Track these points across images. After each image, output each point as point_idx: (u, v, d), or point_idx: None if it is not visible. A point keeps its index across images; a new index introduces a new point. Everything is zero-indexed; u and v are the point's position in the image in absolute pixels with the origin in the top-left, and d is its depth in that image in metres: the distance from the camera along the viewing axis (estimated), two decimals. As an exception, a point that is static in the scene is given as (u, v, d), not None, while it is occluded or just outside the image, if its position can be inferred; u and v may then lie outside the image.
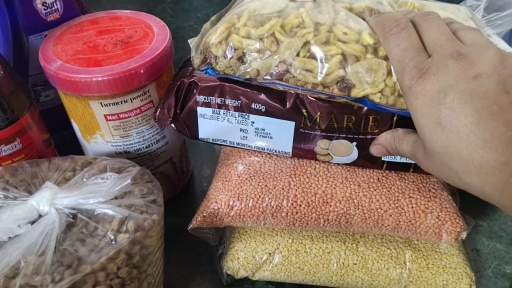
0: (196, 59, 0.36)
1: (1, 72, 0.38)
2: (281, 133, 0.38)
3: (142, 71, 0.38)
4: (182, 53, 0.43)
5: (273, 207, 0.38)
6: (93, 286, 0.30)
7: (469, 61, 0.27)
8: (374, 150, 0.36)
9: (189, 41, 0.37)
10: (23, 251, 0.29)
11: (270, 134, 0.38)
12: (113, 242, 0.31)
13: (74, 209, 0.33)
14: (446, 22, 0.31)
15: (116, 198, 0.34)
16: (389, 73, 0.32)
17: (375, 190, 0.38)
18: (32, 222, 0.32)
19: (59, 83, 0.39)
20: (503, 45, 0.39)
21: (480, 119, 0.25)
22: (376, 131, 0.35)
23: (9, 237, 0.31)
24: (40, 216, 0.32)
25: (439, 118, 0.26)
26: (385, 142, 0.35)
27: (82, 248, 0.30)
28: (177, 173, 0.50)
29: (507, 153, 0.24)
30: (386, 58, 0.32)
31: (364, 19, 0.34)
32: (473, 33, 0.30)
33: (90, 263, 0.29)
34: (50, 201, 0.32)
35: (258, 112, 0.37)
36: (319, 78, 0.33)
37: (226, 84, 0.36)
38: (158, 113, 0.39)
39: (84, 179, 0.35)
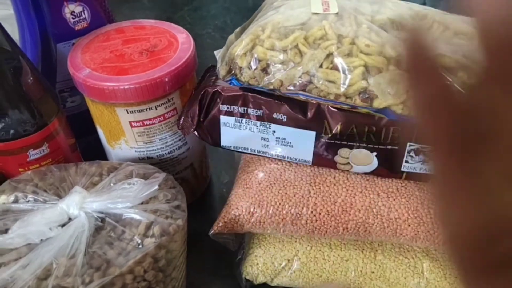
0: (221, 70, 0.37)
1: (31, 78, 0.40)
2: (301, 142, 0.38)
3: (167, 80, 0.40)
4: (200, 60, 0.44)
5: (293, 215, 0.39)
6: (120, 289, 0.31)
7: None
8: None
9: (215, 52, 0.38)
10: (55, 253, 0.31)
11: (290, 143, 0.39)
12: (140, 246, 0.32)
13: (102, 213, 0.34)
14: None
15: (142, 203, 0.35)
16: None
17: (394, 199, 0.38)
18: (62, 225, 0.33)
19: (87, 91, 0.40)
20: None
21: None
22: (397, 141, 0.36)
23: (41, 240, 0.32)
24: (70, 219, 0.34)
25: None
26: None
27: (111, 251, 0.31)
28: (197, 179, 0.51)
29: None
30: None
31: (386, 31, 0.35)
32: None
33: (118, 266, 0.31)
34: (80, 205, 0.34)
35: (279, 122, 0.37)
36: (342, 89, 0.33)
37: (249, 94, 0.37)
38: (181, 121, 0.40)
39: (112, 184, 0.36)
